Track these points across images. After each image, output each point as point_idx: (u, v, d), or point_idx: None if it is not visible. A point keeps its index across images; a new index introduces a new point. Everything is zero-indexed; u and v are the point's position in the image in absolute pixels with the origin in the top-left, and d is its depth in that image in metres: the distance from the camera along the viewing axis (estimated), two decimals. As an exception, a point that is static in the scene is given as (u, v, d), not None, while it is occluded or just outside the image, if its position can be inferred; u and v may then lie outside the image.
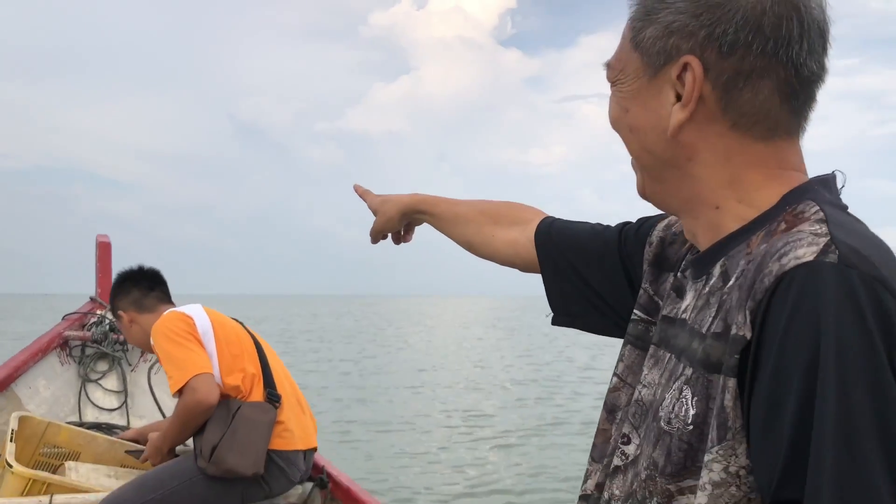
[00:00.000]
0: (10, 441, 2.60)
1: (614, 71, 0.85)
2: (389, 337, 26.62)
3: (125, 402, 4.24)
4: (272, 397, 2.63)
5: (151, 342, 2.68)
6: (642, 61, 0.80)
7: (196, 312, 2.71)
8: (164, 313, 2.74)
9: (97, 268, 4.88)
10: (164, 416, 4.04)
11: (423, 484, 6.41)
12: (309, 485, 2.83)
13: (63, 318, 4.56)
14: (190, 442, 2.76)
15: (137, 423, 4.10)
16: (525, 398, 11.89)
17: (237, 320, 2.90)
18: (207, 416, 2.52)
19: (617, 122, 0.85)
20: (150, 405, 4.12)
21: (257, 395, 2.62)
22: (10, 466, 2.42)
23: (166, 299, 2.96)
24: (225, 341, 2.65)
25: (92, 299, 4.78)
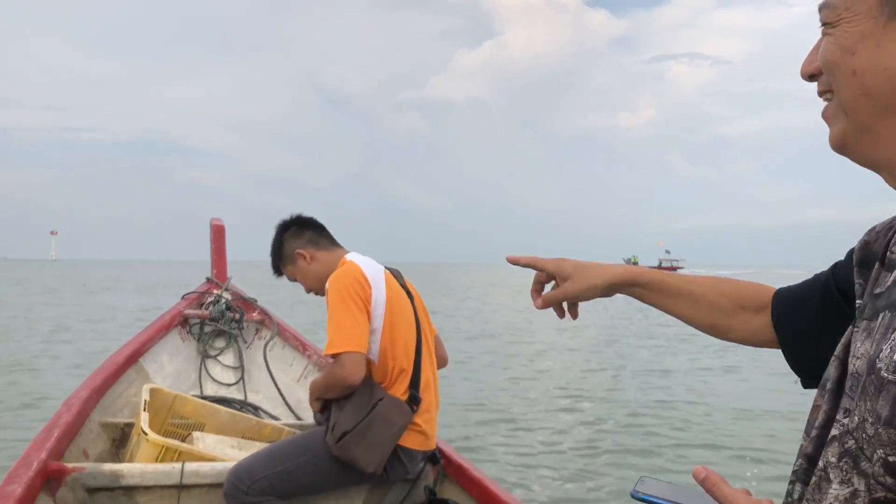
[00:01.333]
0: (144, 411, 2.74)
1: (836, 11, 0.79)
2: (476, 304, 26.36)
3: (242, 377, 4.42)
4: (413, 400, 2.60)
5: (326, 286, 2.63)
6: (881, 1, 0.75)
7: (377, 280, 2.63)
8: (348, 260, 2.71)
9: (212, 249, 5.09)
10: (279, 392, 4.19)
11: (534, 463, 6.40)
12: (422, 463, 2.87)
13: (182, 298, 4.79)
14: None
15: (254, 398, 4.27)
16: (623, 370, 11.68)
17: (409, 292, 2.80)
18: (348, 393, 2.53)
19: (834, 65, 0.80)
20: (267, 381, 4.28)
21: (400, 388, 2.59)
22: (146, 434, 2.56)
23: (336, 242, 2.90)
24: (391, 325, 2.60)
25: (208, 279, 4.99)
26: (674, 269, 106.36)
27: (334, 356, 2.49)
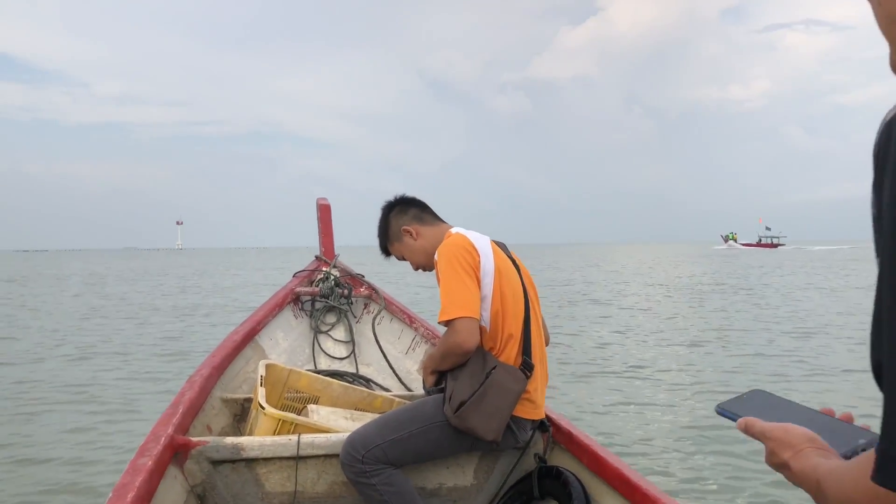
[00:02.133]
0: (261, 386, 2.86)
1: None
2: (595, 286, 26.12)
3: (353, 351, 4.54)
4: (526, 366, 2.60)
5: (435, 258, 2.66)
6: None
7: (484, 249, 2.65)
8: (454, 232, 2.74)
9: (319, 228, 5.23)
10: (389, 364, 4.28)
11: (640, 434, 6.30)
12: (531, 431, 2.86)
13: (293, 276, 4.95)
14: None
15: (365, 371, 4.38)
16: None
17: (515, 262, 2.81)
18: (464, 360, 2.55)
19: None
20: (376, 353, 4.37)
21: (510, 355, 2.59)
22: (263, 408, 2.66)
23: (440, 218, 2.94)
24: (500, 292, 2.60)
25: (317, 257, 5.13)
26: (774, 245, 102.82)
27: (447, 323, 2.51)
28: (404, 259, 2.95)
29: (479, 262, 2.59)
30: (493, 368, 2.53)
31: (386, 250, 2.99)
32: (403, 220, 2.88)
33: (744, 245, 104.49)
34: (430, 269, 2.83)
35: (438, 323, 2.60)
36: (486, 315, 2.59)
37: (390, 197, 2.97)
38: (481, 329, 2.58)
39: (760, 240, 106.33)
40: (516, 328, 2.62)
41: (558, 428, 2.95)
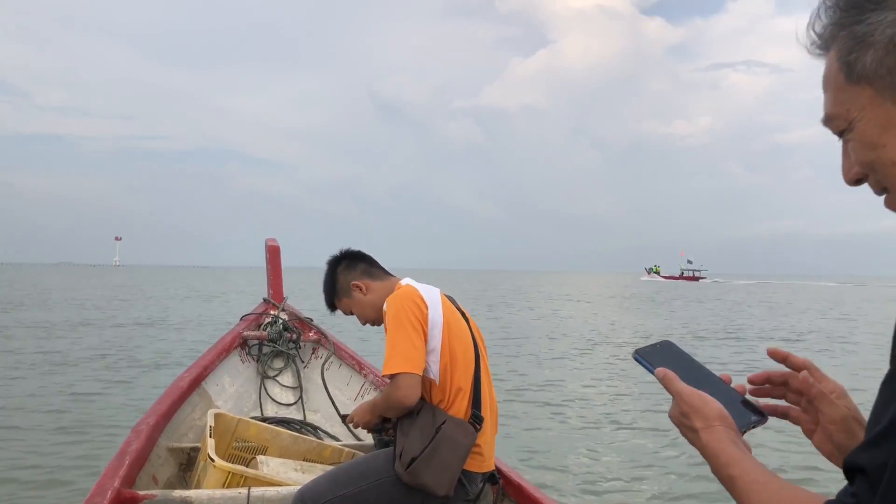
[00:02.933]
0: (210, 437, 2.82)
1: (840, 120, 0.82)
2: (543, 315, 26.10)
3: (300, 397, 4.50)
4: (476, 419, 2.60)
5: (384, 308, 2.65)
6: (875, 89, 0.77)
7: (433, 300, 2.64)
8: (404, 284, 2.75)
9: (268, 270, 5.20)
10: (337, 411, 4.24)
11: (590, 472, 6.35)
12: (481, 483, 2.87)
13: (241, 319, 4.90)
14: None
15: (313, 418, 4.34)
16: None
17: (465, 315, 2.80)
18: (403, 413, 2.57)
19: (870, 165, 0.82)
20: (325, 400, 4.34)
21: (460, 408, 2.59)
22: (213, 460, 2.63)
23: (389, 272, 2.93)
24: (449, 345, 2.60)
25: (265, 300, 5.09)
26: (696, 278, 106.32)
27: (390, 377, 2.52)
28: (352, 314, 2.93)
29: (427, 314, 2.59)
30: (443, 423, 2.53)
31: (332, 305, 2.96)
32: (352, 275, 2.87)
33: (665, 278, 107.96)
34: (380, 324, 2.83)
35: (382, 376, 2.61)
36: (435, 368, 2.59)
37: (336, 252, 2.96)
38: (430, 382, 2.59)
39: (682, 273, 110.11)
40: (466, 381, 2.63)
41: (508, 480, 2.98)
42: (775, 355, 1.13)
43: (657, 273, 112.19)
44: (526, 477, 3.08)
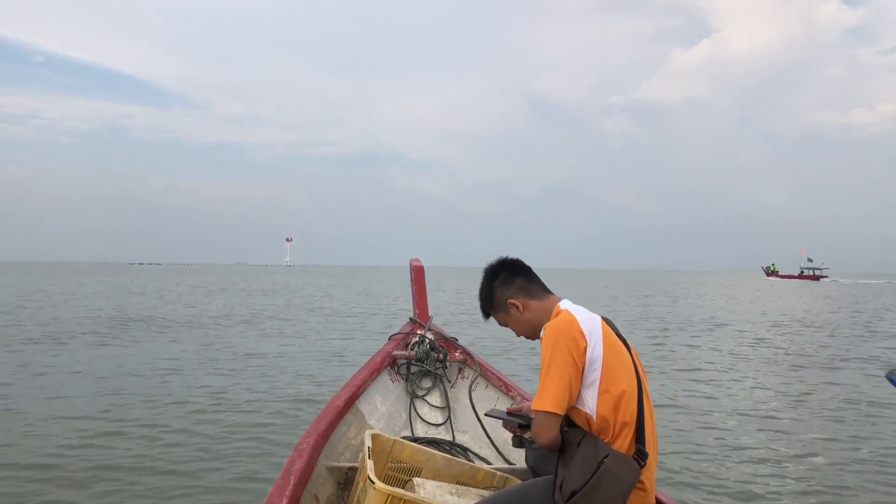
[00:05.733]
0: (369, 458, 2.86)
1: None
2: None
3: (448, 417, 4.51)
4: (640, 455, 2.51)
5: (541, 334, 2.61)
6: None
7: (592, 333, 2.54)
8: (563, 308, 2.66)
9: (413, 290, 5.28)
10: (486, 433, 4.23)
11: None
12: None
13: (389, 339, 4.99)
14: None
15: (461, 439, 4.34)
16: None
17: (626, 343, 2.69)
18: (548, 450, 2.57)
19: None
20: (472, 421, 4.33)
21: (623, 442, 2.50)
22: (373, 483, 2.66)
23: (547, 288, 2.85)
24: (610, 376, 2.51)
25: (411, 320, 5.17)
26: (816, 277, 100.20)
27: (535, 412, 2.52)
28: (506, 326, 2.88)
29: (586, 348, 2.50)
30: (606, 457, 2.43)
31: (487, 315, 2.92)
32: (509, 293, 2.80)
33: (783, 277, 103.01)
34: (535, 339, 2.77)
35: (532, 409, 2.56)
36: (592, 403, 2.50)
37: (492, 260, 2.89)
38: (587, 417, 2.51)
39: (802, 271, 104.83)
40: (629, 415, 2.52)
41: None
42: None
43: (775, 272, 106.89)
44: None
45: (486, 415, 3.33)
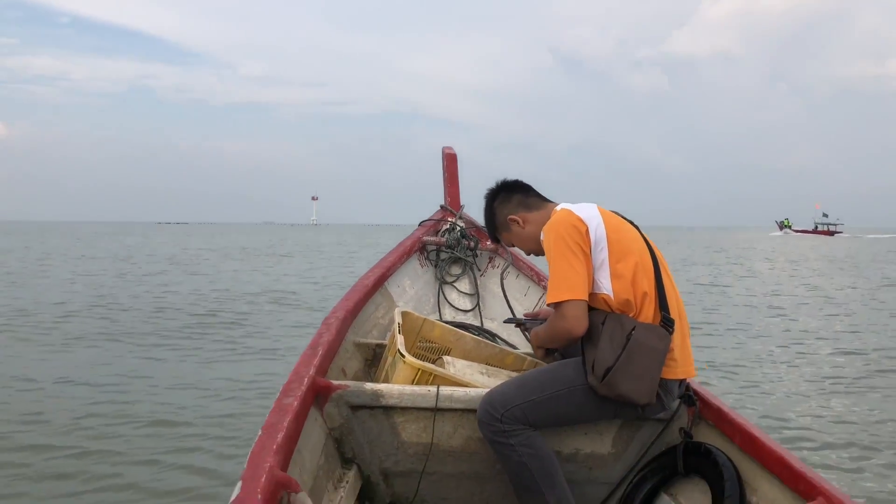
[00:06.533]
0: (399, 333, 2.80)
1: None
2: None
3: (477, 304, 4.46)
4: (667, 322, 2.45)
5: (541, 238, 2.57)
6: None
7: (591, 217, 2.51)
8: (557, 210, 2.62)
9: (445, 178, 5.14)
10: (513, 313, 4.16)
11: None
12: (676, 401, 2.69)
13: (419, 225, 4.89)
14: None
15: (490, 325, 4.29)
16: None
17: (633, 224, 2.68)
18: (571, 343, 2.51)
19: None
20: (502, 308, 4.27)
21: (648, 314, 2.45)
22: (403, 357, 2.61)
23: (545, 198, 2.82)
24: (619, 251, 2.48)
25: (442, 207, 5.05)
26: (831, 233, 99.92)
27: (555, 305, 2.45)
28: (514, 246, 2.88)
29: (587, 231, 2.46)
30: (633, 329, 2.39)
31: (496, 239, 2.94)
32: (508, 209, 2.78)
33: (798, 231, 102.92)
34: (541, 255, 2.71)
35: (547, 305, 2.53)
36: (607, 283, 2.46)
37: (492, 184, 2.87)
38: (604, 298, 2.46)
39: (816, 227, 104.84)
40: (648, 284, 2.47)
41: (706, 403, 2.76)
42: None
43: (789, 227, 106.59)
44: (725, 401, 2.85)
45: (504, 322, 3.33)
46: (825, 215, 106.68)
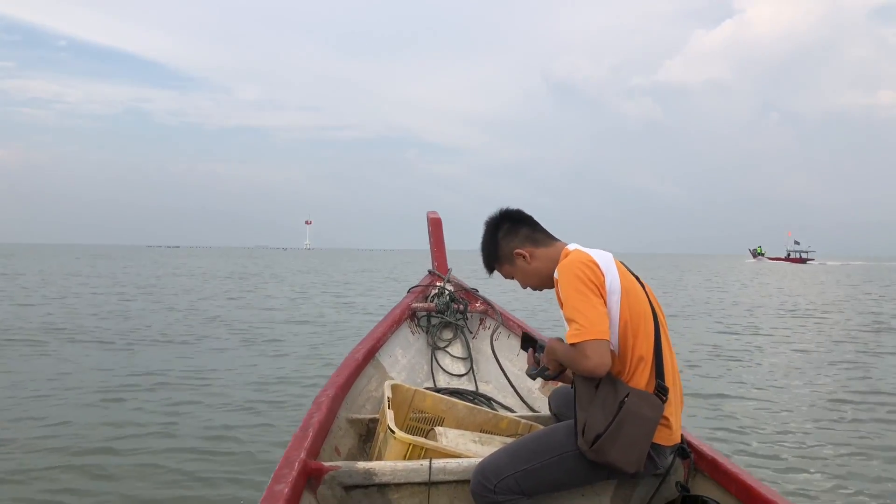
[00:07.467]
0: (388, 408, 2.81)
1: None
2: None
3: (471, 367, 4.46)
4: (661, 391, 2.42)
5: (555, 276, 2.49)
6: None
7: (607, 266, 2.44)
8: (572, 250, 2.54)
9: (431, 243, 5.19)
10: (510, 382, 4.17)
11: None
12: (671, 456, 2.68)
13: (408, 291, 4.93)
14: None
15: (485, 389, 4.28)
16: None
17: (640, 281, 2.61)
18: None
19: None
20: (495, 371, 4.28)
21: (641, 379, 2.42)
22: (393, 432, 2.61)
23: (552, 235, 2.73)
24: (628, 311, 2.41)
25: (430, 272, 5.09)
26: (803, 260, 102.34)
27: (576, 346, 2.32)
28: (512, 279, 2.77)
29: (604, 279, 2.41)
30: (626, 396, 2.35)
31: (492, 269, 2.81)
32: (515, 243, 2.69)
33: (772, 259, 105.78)
34: (541, 290, 2.68)
35: (568, 344, 2.44)
36: (613, 337, 2.41)
37: (493, 211, 2.76)
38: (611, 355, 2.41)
39: (789, 254, 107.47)
40: (647, 350, 2.43)
41: (700, 454, 2.76)
42: None
43: (762, 255, 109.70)
44: (719, 449, 2.85)
45: (527, 374, 3.05)
46: (797, 243, 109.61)
